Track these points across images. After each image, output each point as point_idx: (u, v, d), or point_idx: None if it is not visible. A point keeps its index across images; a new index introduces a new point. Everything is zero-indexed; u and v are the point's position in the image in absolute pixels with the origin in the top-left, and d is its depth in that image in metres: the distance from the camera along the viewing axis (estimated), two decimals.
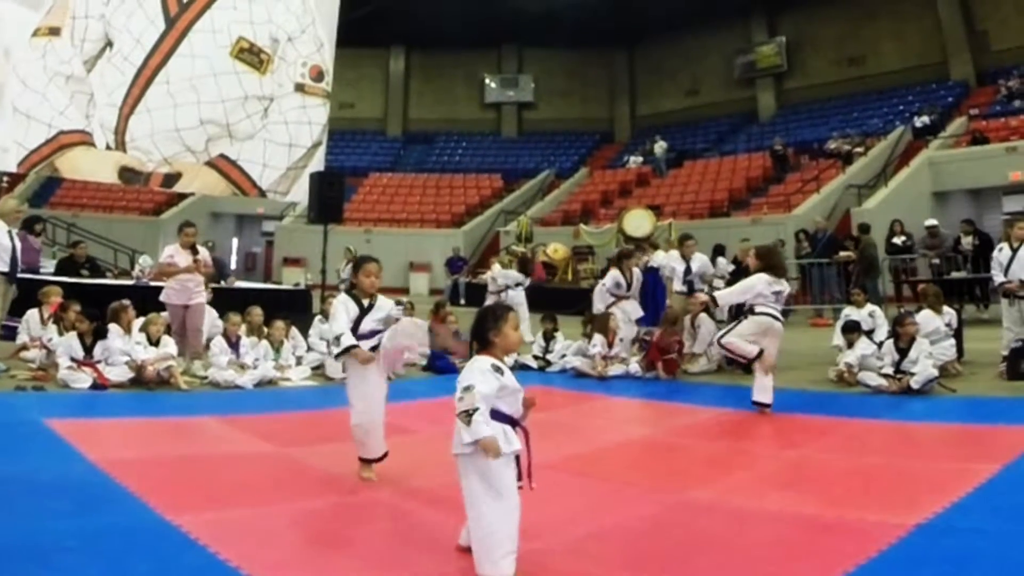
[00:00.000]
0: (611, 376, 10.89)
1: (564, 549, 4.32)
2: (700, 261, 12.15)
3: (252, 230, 34.32)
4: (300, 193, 15.55)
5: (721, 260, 16.14)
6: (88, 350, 9.22)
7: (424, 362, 11.24)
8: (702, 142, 33.66)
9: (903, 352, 9.16)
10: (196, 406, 8.44)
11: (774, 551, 4.31)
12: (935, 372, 9.02)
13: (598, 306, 11.66)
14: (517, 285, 15.84)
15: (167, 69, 14.31)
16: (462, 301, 19.59)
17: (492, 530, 3.88)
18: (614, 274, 11.70)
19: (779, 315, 8.55)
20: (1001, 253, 10.07)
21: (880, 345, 9.82)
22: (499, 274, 16.25)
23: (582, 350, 11.45)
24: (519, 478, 4.04)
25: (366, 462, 5.71)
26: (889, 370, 9.19)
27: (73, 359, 9.10)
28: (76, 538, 4.16)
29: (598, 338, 11.21)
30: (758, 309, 8.48)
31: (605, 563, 4.13)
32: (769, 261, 8.87)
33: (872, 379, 9.33)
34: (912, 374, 8.91)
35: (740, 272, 12.18)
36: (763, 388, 8.17)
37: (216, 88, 14.66)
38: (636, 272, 11.88)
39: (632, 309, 11.60)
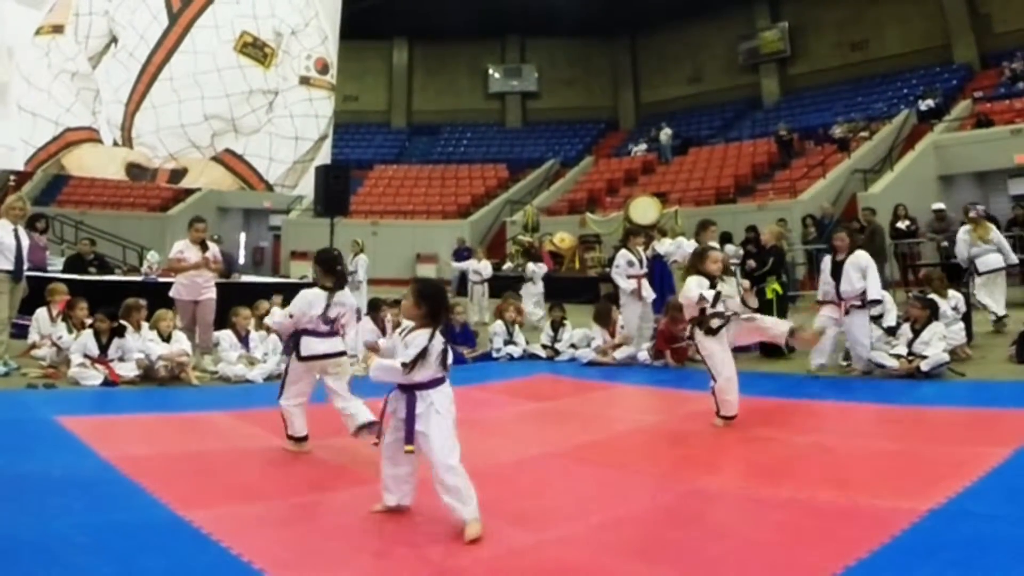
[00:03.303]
0: (620, 361, 10.99)
1: (578, 538, 4.32)
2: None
3: (259, 224, 34.34)
4: (307, 186, 15.56)
5: (730, 247, 16.10)
6: (103, 348, 9.24)
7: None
8: (707, 129, 33.61)
9: (917, 333, 9.16)
10: (207, 401, 8.47)
11: (787, 538, 4.30)
12: (946, 357, 9.00)
13: (622, 286, 11.58)
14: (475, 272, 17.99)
15: (171, 65, 14.32)
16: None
17: None
18: (624, 253, 11.69)
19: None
20: None
21: (888, 331, 9.82)
22: (483, 267, 18.14)
23: (588, 338, 11.53)
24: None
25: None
26: (902, 350, 9.18)
27: (87, 356, 9.12)
28: (88, 535, 4.17)
29: (598, 330, 11.38)
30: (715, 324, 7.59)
31: (619, 552, 4.13)
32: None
33: (884, 359, 9.30)
34: (924, 356, 8.90)
35: (761, 254, 12.13)
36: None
37: (220, 83, 14.67)
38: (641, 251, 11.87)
39: (647, 290, 11.58)
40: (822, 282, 9.91)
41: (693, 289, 7.34)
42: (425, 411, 4.45)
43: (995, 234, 12.16)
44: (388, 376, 4.52)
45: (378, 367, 4.55)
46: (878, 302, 9.62)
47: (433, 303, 4.65)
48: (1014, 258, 12.43)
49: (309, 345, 6.31)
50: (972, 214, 12.50)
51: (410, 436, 4.45)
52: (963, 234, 12.31)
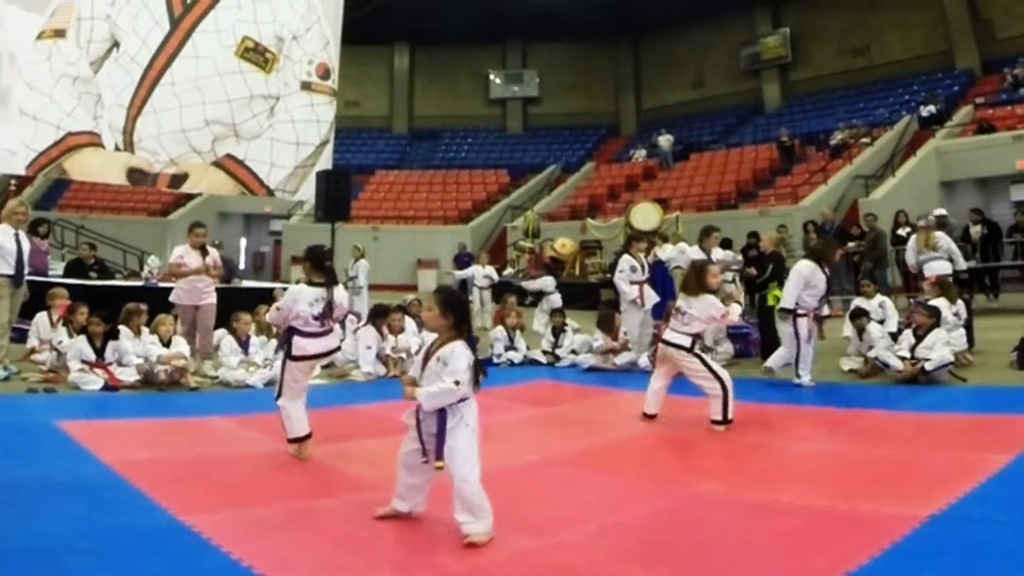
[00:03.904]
0: (620, 367, 10.98)
1: (578, 544, 4.31)
2: (719, 253, 12.19)
3: (260, 229, 34.35)
4: (308, 192, 15.55)
5: (729, 253, 16.10)
6: (99, 352, 9.25)
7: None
8: (708, 134, 33.60)
9: (920, 339, 9.18)
10: (207, 406, 8.46)
11: (788, 544, 4.30)
12: (950, 356, 9.04)
13: (625, 291, 11.52)
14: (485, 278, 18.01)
15: (172, 70, 14.32)
16: (470, 297, 19.71)
17: None
18: (626, 259, 11.65)
19: (666, 338, 7.73)
20: None
21: (893, 336, 9.84)
22: (491, 271, 18.40)
23: (589, 344, 11.52)
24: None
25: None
26: (905, 354, 9.20)
27: (84, 361, 9.13)
28: (89, 540, 4.17)
29: (599, 334, 11.41)
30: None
31: (619, 558, 4.13)
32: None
33: (890, 358, 9.31)
34: (927, 359, 8.92)
35: (761, 260, 12.12)
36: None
37: (221, 88, 14.67)
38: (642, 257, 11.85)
39: (649, 295, 11.55)
40: (807, 293, 9.49)
41: (733, 311, 7.84)
42: (456, 425, 4.41)
43: (944, 242, 12.38)
44: (446, 401, 4.39)
45: (430, 396, 4.40)
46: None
47: (459, 312, 4.62)
48: (963, 264, 12.58)
49: (300, 345, 6.32)
50: (922, 223, 12.87)
51: (440, 452, 4.38)
52: (912, 242, 12.64)
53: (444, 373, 4.41)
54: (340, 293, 6.53)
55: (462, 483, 4.30)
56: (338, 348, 6.79)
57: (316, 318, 6.26)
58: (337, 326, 6.65)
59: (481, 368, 4.52)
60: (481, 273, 18.01)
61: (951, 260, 12.18)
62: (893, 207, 18.73)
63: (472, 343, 4.55)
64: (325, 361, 6.59)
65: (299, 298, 6.29)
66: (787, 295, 9.48)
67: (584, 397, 9.51)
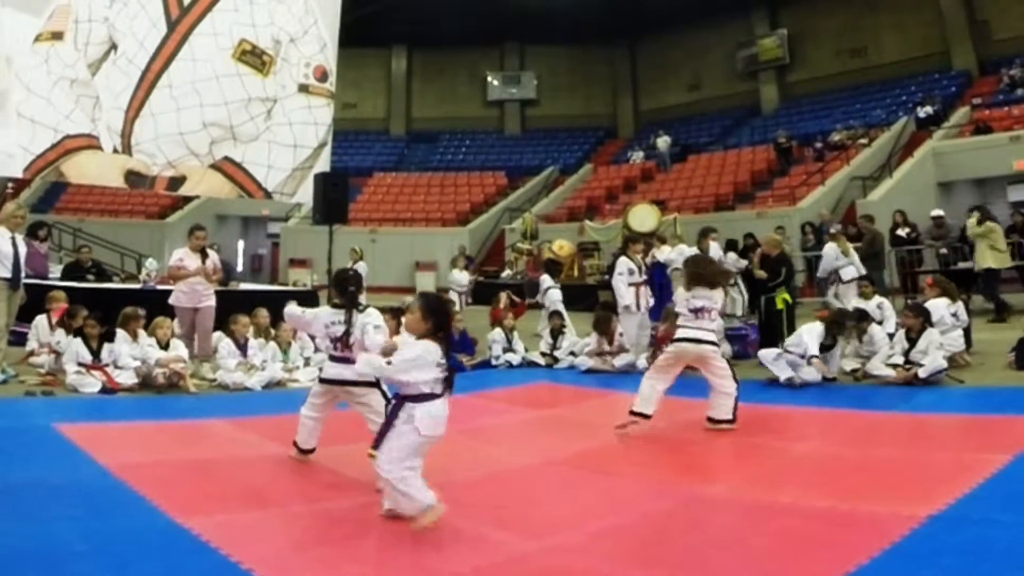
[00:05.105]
0: (619, 368, 10.98)
1: (577, 546, 4.31)
2: (717, 251, 12.28)
3: (258, 232, 34.33)
4: (306, 194, 15.52)
5: (731, 255, 16.06)
6: (95, 354, 9.24)
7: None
8: (706, 136, 33.63)
9: (913, 342, 9.18)
10: (205, 409, 8.45)
11: (787, 545, 4.30)
12: (944, 363, 9.03)
13: (622, 293, 11.52)
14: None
15: (169, 73, 14.28)
16: (469, 300, 19.72)
17: None
18: (624, 260, 11.65)
19: (697, 337, 7.48)
20: None
21: (891, 336, 9.86)
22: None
23: (587, 345, 11.53)
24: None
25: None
26: (899, 359, 9.20)
27: (81, 364, 9.12)
28: (87, 542, 4.17)
29: (593, 337, 11.45)
30: (676, 334, 7.71)
31: (618, 560, 4.12)
32: (692, 270, 7.88)
33: (880, 369, 9.33)
34: (921, 364, 8.92)
35: (772, 262, 12.15)
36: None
37: (219, 91, 14.64)
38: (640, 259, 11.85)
39: (644, 298, 11.55)
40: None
41: (678, 299, 7.91)
42: (404, 423, 4.53)
43: (851, 249, 13.34)
44: (376, 373, 4.81)
45: (364, 362, 4.78)
46: None
47: (438, 318, 4.68)
48: (863, 271, 13.27)
49: (324, 367, 6.32)
50: (832, 230, 13.96)
51: (377, 442, 4.55)
52: (830, 248, 13.27)
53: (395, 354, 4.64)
54: (367, 317, 6.06)
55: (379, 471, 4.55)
56: (356, 383, 5.89)
57: (333, 341, 6.10)
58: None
59: (451, 372, 4.66)
60: (467, 279, 17.95)
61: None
62: (891, 208, 18.74)
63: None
64: (345, 397, 6.07)
65: (318, 316, 6.19)
66: (810, 346, 9.44)
67: (582, 399, 9.51)
